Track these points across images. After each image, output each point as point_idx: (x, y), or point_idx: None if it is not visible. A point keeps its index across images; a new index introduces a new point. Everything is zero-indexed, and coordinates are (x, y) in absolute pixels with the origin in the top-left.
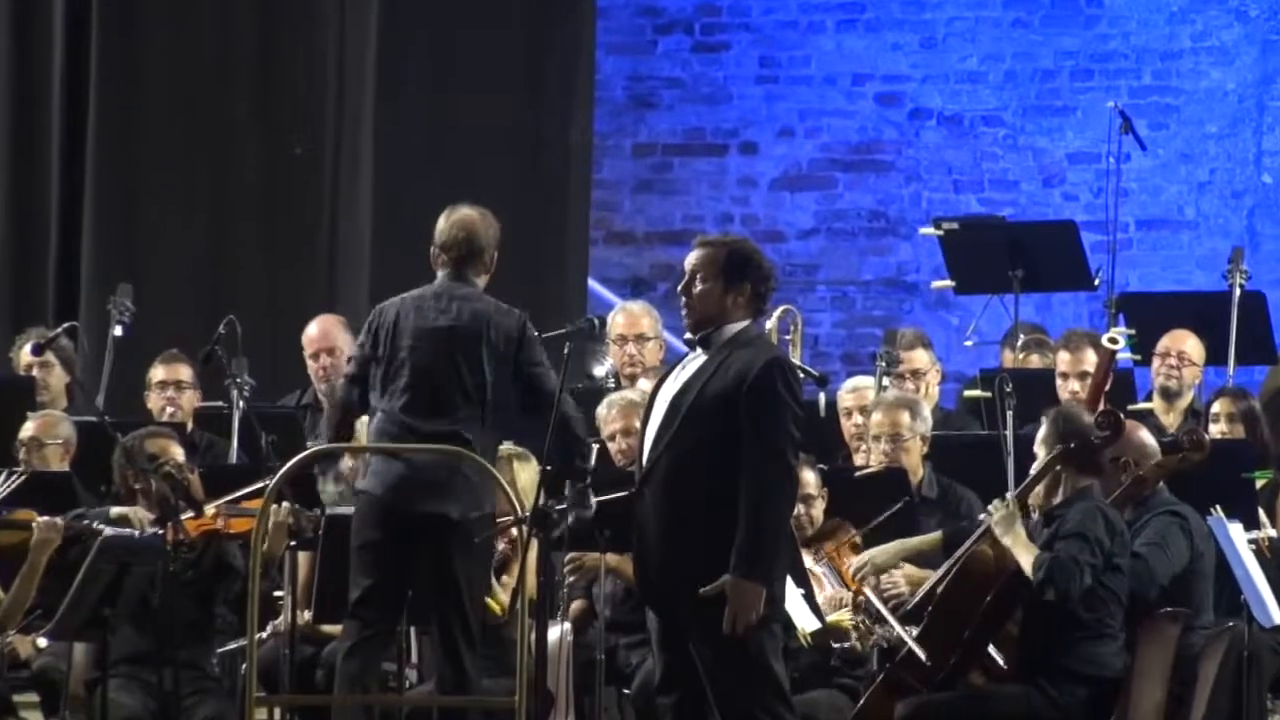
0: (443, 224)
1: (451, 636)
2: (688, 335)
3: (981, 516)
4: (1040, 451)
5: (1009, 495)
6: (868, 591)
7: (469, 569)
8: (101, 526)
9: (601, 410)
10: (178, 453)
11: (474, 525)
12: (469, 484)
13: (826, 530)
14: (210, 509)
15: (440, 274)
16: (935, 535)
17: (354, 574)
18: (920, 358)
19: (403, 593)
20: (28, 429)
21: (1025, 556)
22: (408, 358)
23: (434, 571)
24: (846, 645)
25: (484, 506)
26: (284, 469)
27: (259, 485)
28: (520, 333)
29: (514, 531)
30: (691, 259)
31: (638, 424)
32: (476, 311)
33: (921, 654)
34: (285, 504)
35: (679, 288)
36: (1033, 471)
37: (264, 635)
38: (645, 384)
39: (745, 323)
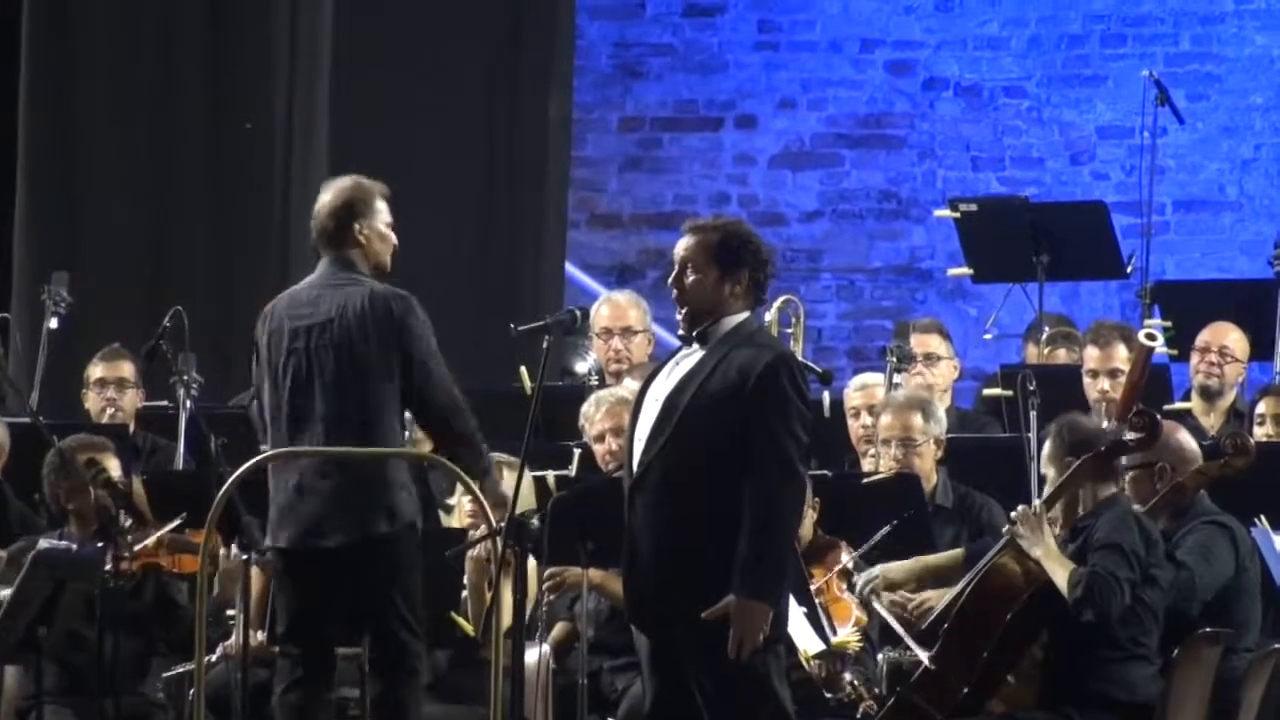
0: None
1: (380, 662)
2: (682, 330)
3: (1005, 528)
4: (1050, 471)
5: (1036, 502)
6: (878, 606)
7: (388, 589)
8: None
9: (588, 408)
10: (113, 466)
11: (380, 543)
12: (360, 503)
13: (818, 549)
14: (153, 539)
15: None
16: (957, 553)
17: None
18: (935, 342)
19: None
20: None
21: (1059, 571)
22: (284, 368)
23: (353, 599)
24: (841, 695)
25: (382, 524)
26: (231, 479)
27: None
28: (401, 320)
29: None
30: (681, 246)
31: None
32: (345, 302)
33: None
34: (234, 550)
35: (670, 279)
36: (1047, 490)
37: (213, 658)
38: (633, 382)
39: (744, 315)
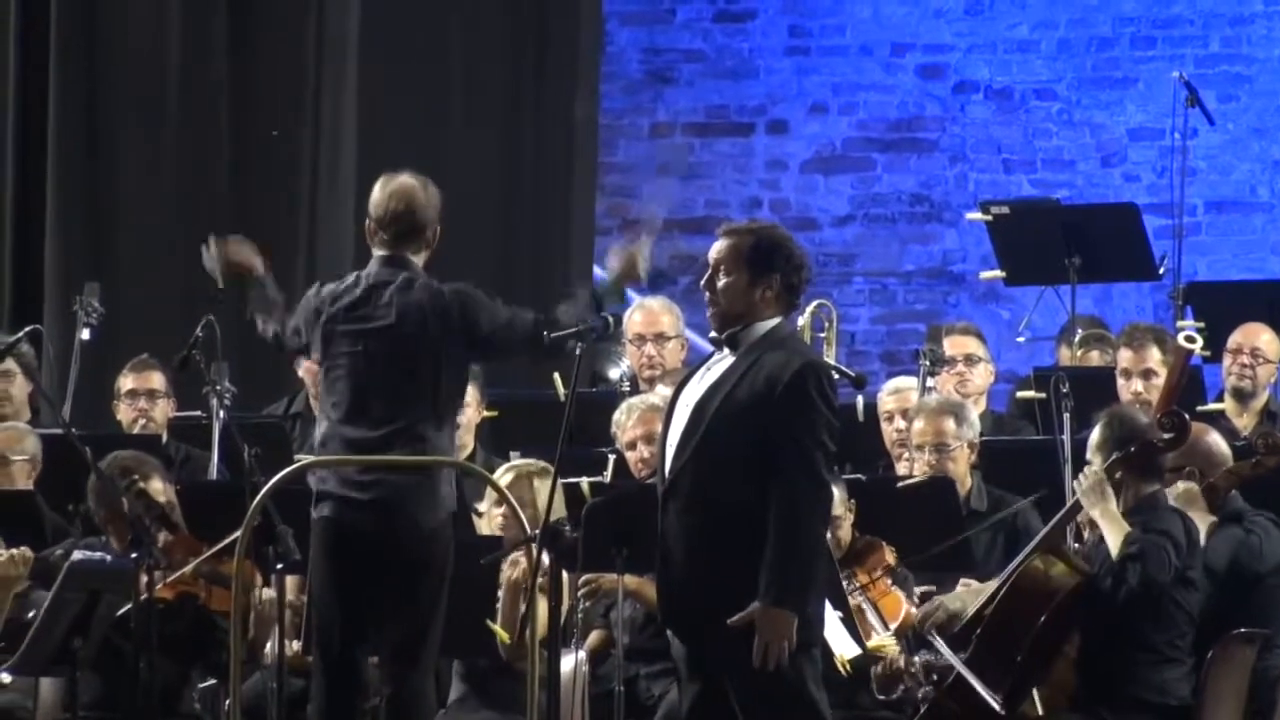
0: (378, 195)
1: (399, 659)
2: (713, 334)
3: (1074, 484)
4: (1095, 459)
5: (1098, 465)
6: (937, 642)
7: (419, 587)
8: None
9: (619, 416)
10: (157, 486)
11: (421, 538)
12: (417, 493)
13: (858, 551)
14: (191, 567)
15: (376, 253)
16: None
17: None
18: (973, 344)
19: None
20: None
21: (1115, 531)
22: (347, 365)
23: (388, 594)
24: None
25: (430, 517)
26: (263, 491)
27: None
28: (460, 308)
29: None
30: (715, 249)
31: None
32: (414, 305)
33: (990, 697)
34: (270, 592)
35: (701, 282)
36: (1081, 479)
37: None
38: (665, 389)
39: (776, 320)
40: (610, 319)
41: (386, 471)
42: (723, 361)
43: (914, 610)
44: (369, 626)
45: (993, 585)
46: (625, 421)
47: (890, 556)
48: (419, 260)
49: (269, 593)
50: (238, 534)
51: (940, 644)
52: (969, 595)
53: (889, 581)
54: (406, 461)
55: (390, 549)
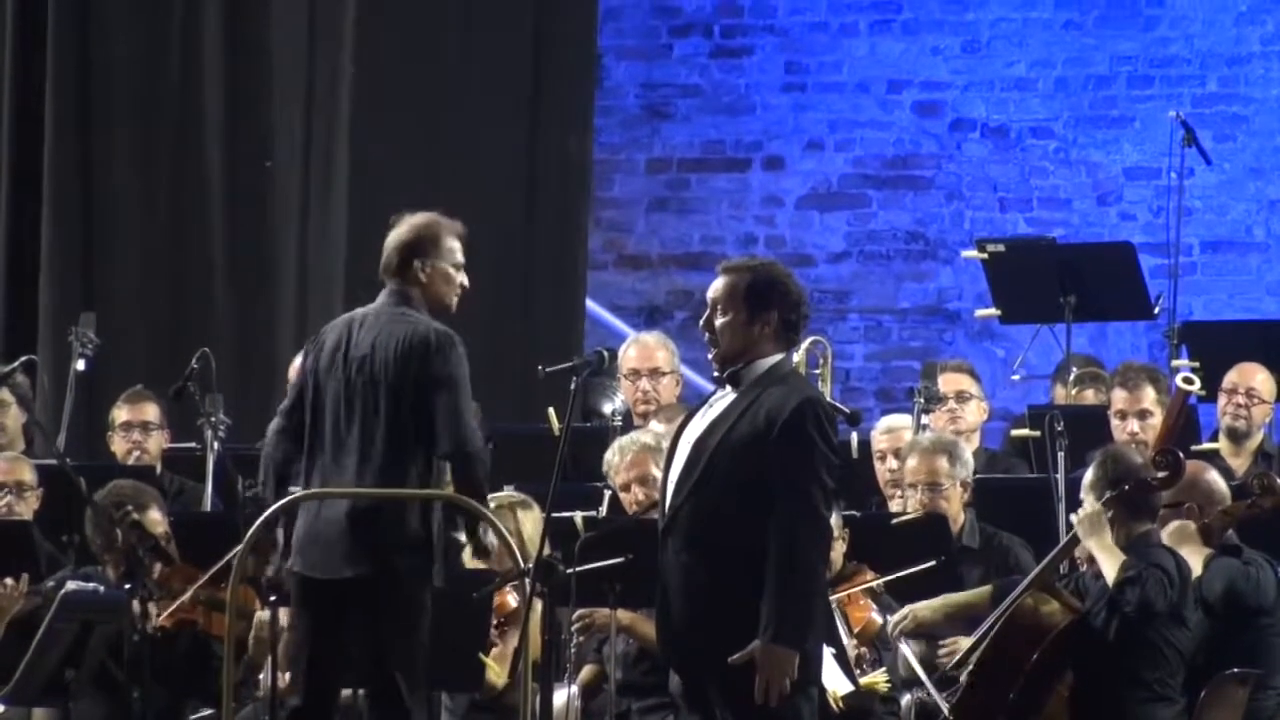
0: None
1: (380, 700)
2: (715, 373)
3: (1071, 518)
4: (1088, 499)
5: (1095, 502)
6: (903, 647)
7: (391, 629)
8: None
9: (611, 457)
10: (154, 517)
11: (391, 581)
12: (377, 537)
13: (844, 575)
14: (189, 594)
15: None
16: (984, 590)
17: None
18: (966, 382)
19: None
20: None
21: (1110, 561)
22: (327, 398)
23: (360, 636)
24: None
25: (398, 554)
26: (256, 523)
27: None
28: (436, 359)
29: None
30: (713, 287)
31: (654, 470)
32: (389, 336)
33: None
34: (265, 614)
35: (701, 321)
36: (1077, 518)
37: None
38: (658, 425)
39: (777, 357)
40: (605, 353)
41: (350, 509)
42: (724, 399)
43: (878, 618)
44: (347, 666)
45: (967, 595)
46: (618, 463)
47: (871, 578)
48: (413, 295)
49: (266, 615)
50: (234, 552)
51: (905, 649)
52: (941, 604)
53: (866, 599)
54: (394, 494)
55: (359, 590)
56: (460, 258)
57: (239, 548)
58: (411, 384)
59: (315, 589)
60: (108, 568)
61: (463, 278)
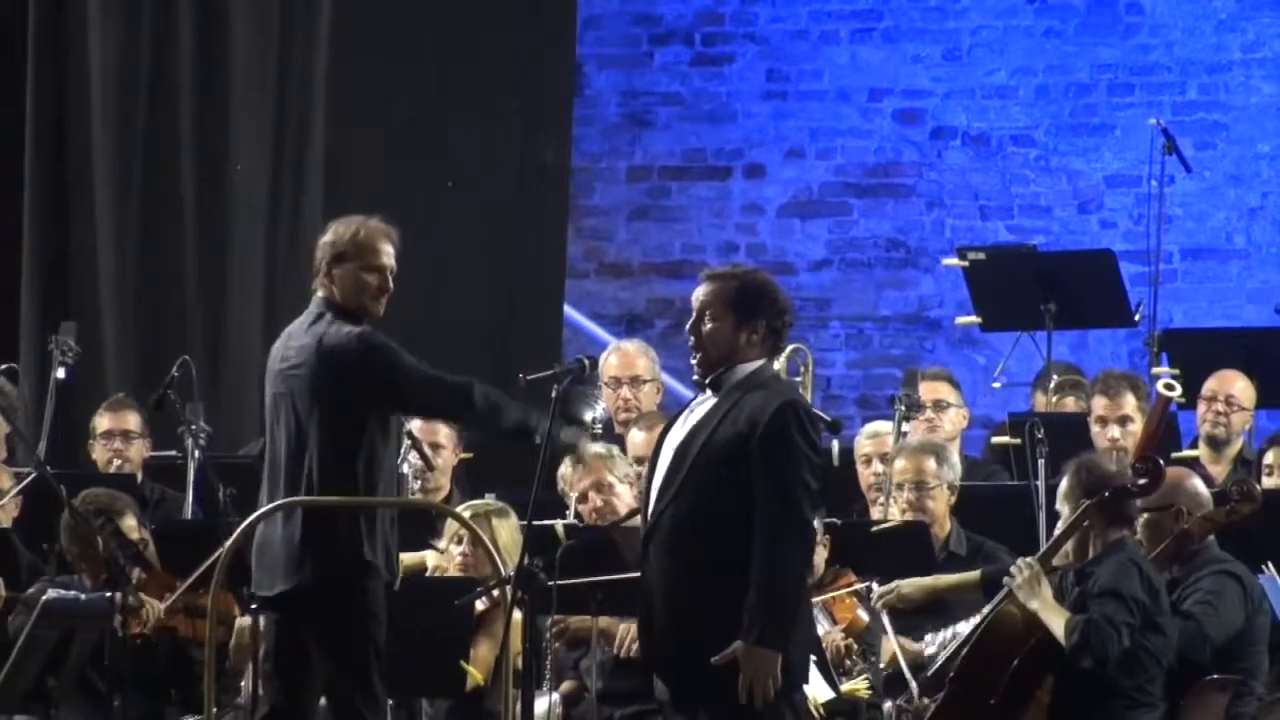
0: None
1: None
2: (696, 378)
3: (1005, 580)
4: (1064, 507)
5: (1032, 558)
6: (883, 618)
7: (336, 639)
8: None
9: (564, 472)
10: (130, 524)
11: (328, 593)
12: (304, 550)
13: (824, 580)
14: (168, 600)
15: None
16: (973, 574)
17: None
18: (945, 390)
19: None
20: None
21: (1056, 620)
22: (269, 412)
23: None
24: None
25: (332, 566)
26: (236, 531)
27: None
28: (358, 355)
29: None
30: (699, 294)
31: (608, 476)
32: (303, 346)
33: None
34: (248, 619)
35: (687, 326)
36: (1059, 529)
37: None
38: (639, 433)
39: (759, 362)
40: (586, 361)
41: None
42: (705, 404)
43: (865, 616)
44: (316, 675)
45: (955, 578)
46: (572, 476)
47: (855, 580)
48: (336, 298)
49: (247, 621)
50: (214, 558)
51: (886, 621)
52: (930, 583)
53: (851, 599)
54: (379, 502)
55: (302, 603)
56: (384, 260)
57: (219, 552)
58: (334, 388)
59: (268, 604)
60: (83, 576)
61: (381, 281)
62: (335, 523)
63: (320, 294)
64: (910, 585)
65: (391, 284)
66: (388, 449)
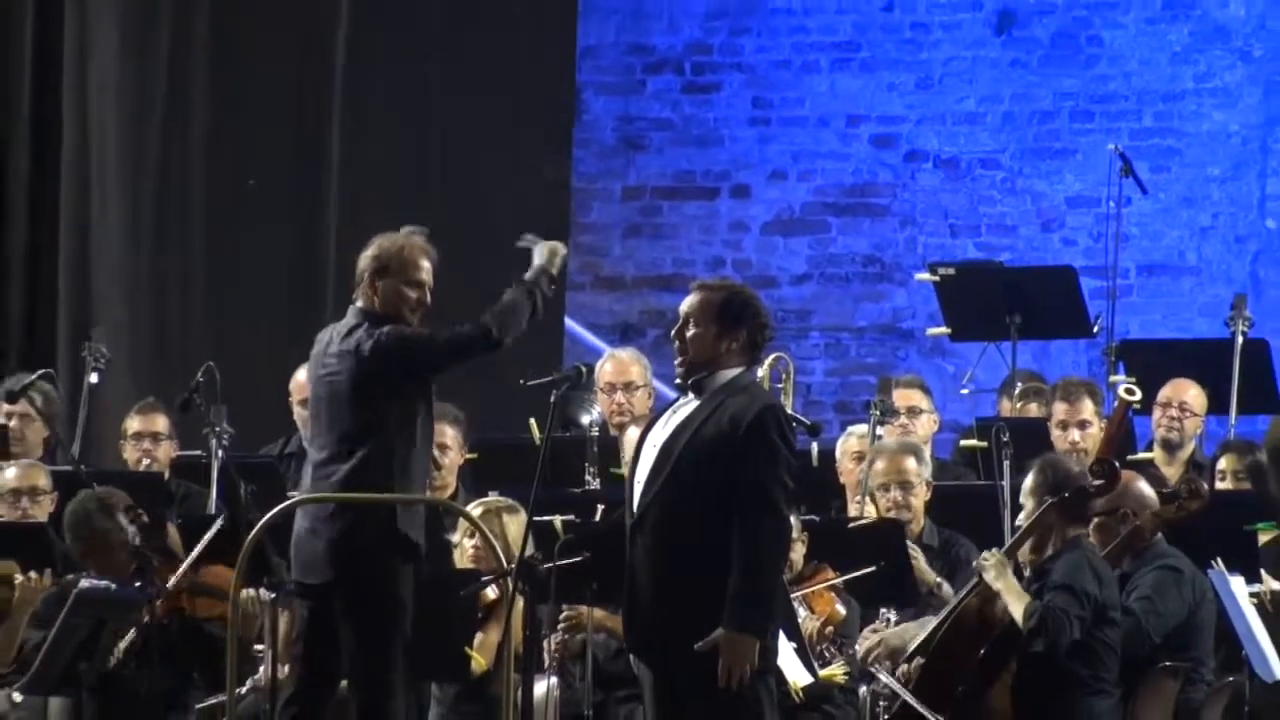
0: None
1: (362, 692)
2: (678, 380)
3: (975, 564)
4: (1028, 503)
5: (998, 549)
6: (884, 676)
7: (367, 627)
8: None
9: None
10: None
11: (362, 583)
12: (338, 543)
13: (804, 576)
14: (175, 577)
15: None
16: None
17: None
18: (917, 396)
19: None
20: (13, 478)
21: (1016, 604)
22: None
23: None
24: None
25: (371, 553)
26: (259, 525)
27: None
28: (371, 344)
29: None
30: (687, 302)
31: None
32: (342, 352)
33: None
34: (251, 591)
35: (672, 331)
36: (1020, 521)
37: (243, 691)
38: (633, 433)
39: (739, 369)
40: (583, 368)
41: (339, 513)
42: (687, 405)
43: (841, 609)
44: (341, 660)
45: (935, 620)
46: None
47: (833, 575)
48: (376, 309)
49: (251, 591)
50: (207, 537)
51: (885, 676)
52: (910, 630)
53: (829, 593)
54: (391, 498)
55: (337, 591)
56: (423, 276)
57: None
58: (364, 385)
59: (303, 591)
60: (90, 570)
61: (420, 295)
62: (379, 516)
63: (360, 304)
64: (895, 637)
65: (429, 298)
66: (423, 449)
